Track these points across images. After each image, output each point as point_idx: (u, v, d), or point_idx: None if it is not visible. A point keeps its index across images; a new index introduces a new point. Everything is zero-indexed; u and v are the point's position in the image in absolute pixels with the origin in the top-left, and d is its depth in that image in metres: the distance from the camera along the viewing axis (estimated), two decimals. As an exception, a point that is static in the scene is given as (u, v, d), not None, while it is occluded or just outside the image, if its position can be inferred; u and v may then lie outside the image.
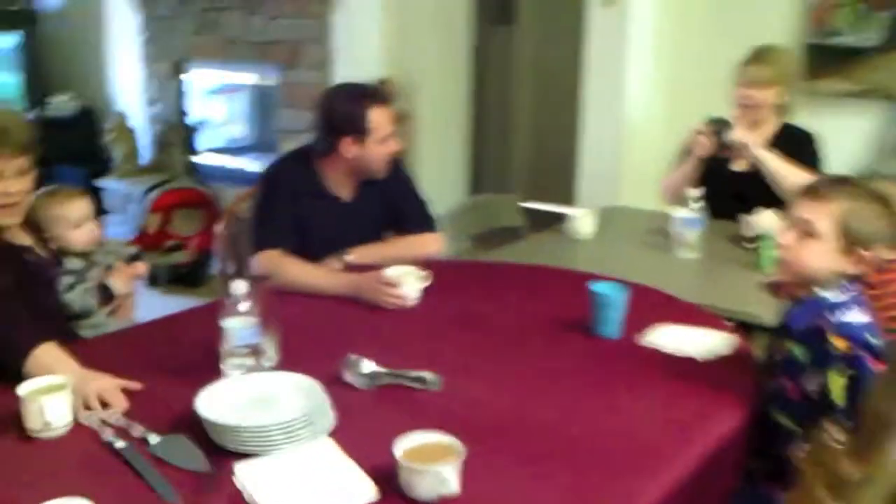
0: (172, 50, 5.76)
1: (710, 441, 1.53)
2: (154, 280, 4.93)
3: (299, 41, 4.98)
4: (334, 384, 1.63)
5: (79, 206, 2.17)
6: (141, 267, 2.37)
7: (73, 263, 2.15)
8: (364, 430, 1.51)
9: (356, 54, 4.82)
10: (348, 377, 1.68)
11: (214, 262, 4.88)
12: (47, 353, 1.70)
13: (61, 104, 6.42)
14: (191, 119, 5.97)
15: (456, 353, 1.87)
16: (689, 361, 1.80)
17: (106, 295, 2.20)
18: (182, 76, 5.86)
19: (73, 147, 6.31)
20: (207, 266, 5.04)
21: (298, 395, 1.51)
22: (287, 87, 5.12)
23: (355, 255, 2.44)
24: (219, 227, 2.76)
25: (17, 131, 1.90)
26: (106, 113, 6.24)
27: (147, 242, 4.97)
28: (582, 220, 2.87)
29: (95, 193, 6.09)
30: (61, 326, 2.06)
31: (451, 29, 4.94)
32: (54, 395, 1.46)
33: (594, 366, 1.82)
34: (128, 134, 6.01)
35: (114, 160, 5.99)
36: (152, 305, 4.59)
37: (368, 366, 1.69)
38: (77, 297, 2.12)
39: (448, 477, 1.28)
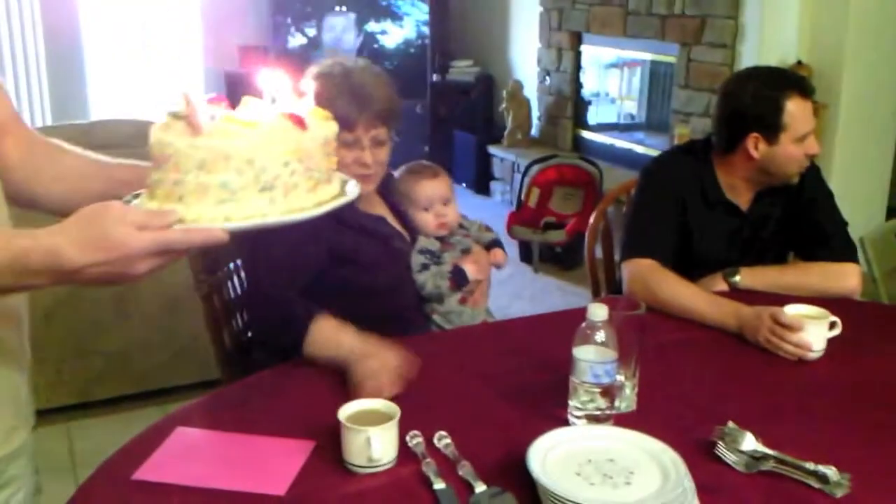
0: (573, 21, 5.62)
1: None
2: (528, 257, 4.86)
3: (706, 15, 4.55)
4: (700, 456, 1.31)
5: (429, 189, 2.02)
6: (500, 255, 2.17)
7: (429, 244, 2.03)
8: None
9: (769, 32, 4.28)
10: (721, 450, 1.33)
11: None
12: (327, 325, 1.64)
13: (462, 70, 6.60)
14: (583, 93, 5.81)
15: (870, 441, 1.42)
16: None
17: (460, 280, 2.05)
18: (580, 48, 5.71)
19: (469, 113, 6.47)
20: (582, 248, 4.86)
21: (654, 472, 1.21)
22: (687, 65, 4.73)
23: (745, 277, 2.05)
24: (595, 213, 2.49)
25: (379, 99, 1.82)
26: (504, 81, 6.29)
27: (525, 217, 4.90)
28: None
29: (486, 160, 6.20)
30: (409, 303, 1.98)
31: (886, 4, 4.19)
32: (383, 427, 1.27)
33: None
34: (522, 104, 6.00)
35: (505, 129, 6.03)
36: (522, 282, 4.57)
37: (749, 441, 1.33)
38: (429, 279, 1.98)
39: None
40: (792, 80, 2.07)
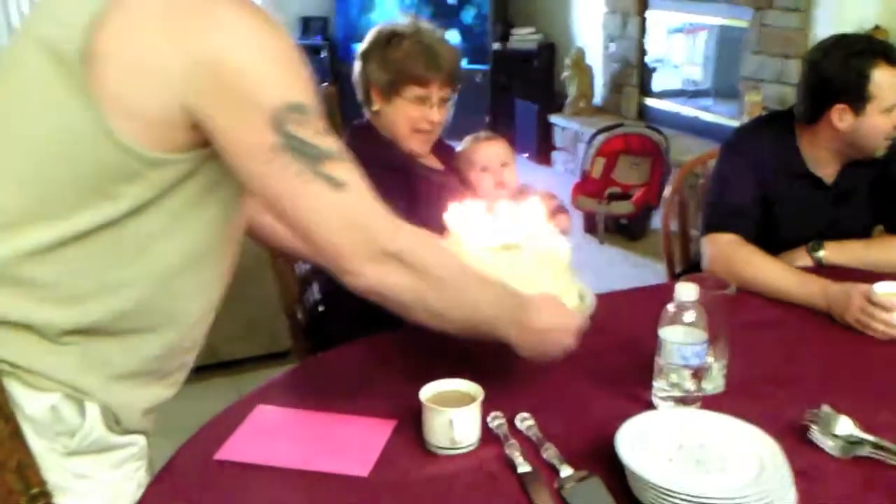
0: (638, -15, 5.49)
1: None
2: (593, 229, 4.80)
3: (781, -22, 4.39)
4: (791, 440, 1.26)
5: (487, 150, 2.07)
6: (564, 220, 2.16)
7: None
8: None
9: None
10: (815, 435, 1.28)
11: (656, 218, 4.60)
12: None
13: (524, 38, 6.50)
14: (648, 60, 5.68)
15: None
16: None
17: None
18: (645, 14, 5.57)
19: (530, 81, 6.39)
20: (648, 220, 4.77)
21: (749, 458, 1.16)
22: (758, 30, 4.57)
23: (830, 252, 1.98)
24: (667, 186, 2.44)
25: (450, 59, 1.94)
26: (566, 49, 6.19)
27: (589, 188, 4.82)
28: None
29: (547, 130, 6.11)
30: None
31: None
32: (465, 408, 1.25)
33: None
34: (585, 71, 5.89)
35: (567, 98, 5.93)
36: (587, 254, 4.51)
37: (845, 425, 1.28)
38: None
39: None
40: (880, 49, 1.97)
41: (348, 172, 1.12)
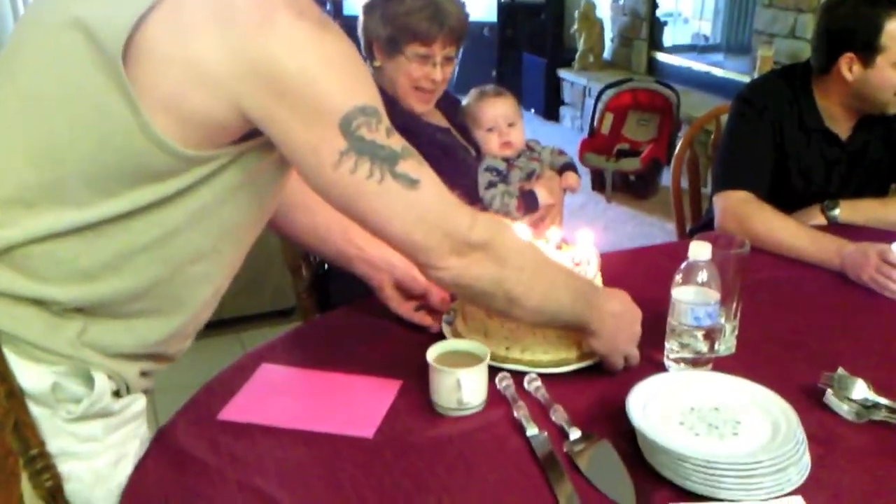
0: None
1: None
2: (600, 186, 4.75)
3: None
4: (805, 403, 1.23)
5: (493, 108, 2.02)
6: (572, 178, 2.13)
7: (495, 163, 2.02)
8: (846, 493, 1.09)
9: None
10: (830, 398, 1.26)
11: (665, 175, 4.56)
12: None
13: (533, -9, 6.40)
14: (658, 13, 5.58)
15: None
16: None
17: (530, 203, 2.00)
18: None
19: (538, 35, 6.30)
20: (657, 177, 4.72)
21: (763, 421, 1.14)
22: (771, -18, 4.48)
23: (845, 210, 1.94)
24: (681, 142, 2.38)
25: (455, 16, 1.87)
26: (575, 1, 6.08)
27: (598, 144, 4.77)
28: None
29: (555, 85, 6.04)
30: None
31: None
32: (473, 369, 1.22)
33: None
34: (594, 25, 5.80)
35: (576, 52, 5.84)
36: (595, 212, 4.47)
37: (860, 389, 1.25)
38: (496, 196, 1.98)
39: None
40: None
41: (420, 168, 1.10)
